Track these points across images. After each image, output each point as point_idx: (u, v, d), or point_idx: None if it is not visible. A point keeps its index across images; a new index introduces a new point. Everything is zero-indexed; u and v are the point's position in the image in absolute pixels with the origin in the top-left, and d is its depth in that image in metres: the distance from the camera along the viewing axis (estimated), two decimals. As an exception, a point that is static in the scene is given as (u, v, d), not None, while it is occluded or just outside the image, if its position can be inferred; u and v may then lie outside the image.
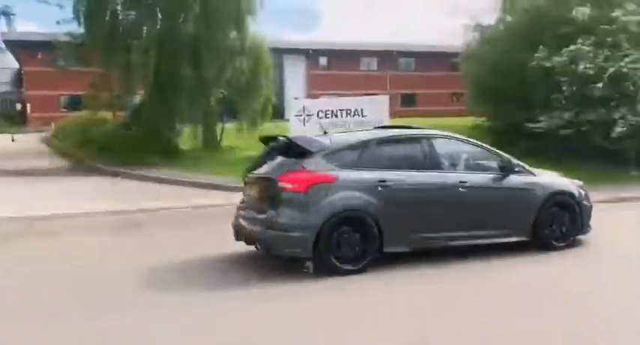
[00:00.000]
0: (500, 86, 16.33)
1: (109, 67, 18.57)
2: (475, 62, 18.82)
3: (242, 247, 6.29)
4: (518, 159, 6.92)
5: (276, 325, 4.33)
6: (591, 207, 6.98)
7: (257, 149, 16.71)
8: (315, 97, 24.44)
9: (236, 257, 6.45)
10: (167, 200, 11.37)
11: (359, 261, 5.61)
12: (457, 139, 6.69)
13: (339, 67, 38.21)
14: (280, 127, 18.43)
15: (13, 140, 24.97)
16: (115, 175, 15.25)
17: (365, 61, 40.03)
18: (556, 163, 9.87)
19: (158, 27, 17.99)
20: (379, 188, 5.72)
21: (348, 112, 13.92)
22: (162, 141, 17.39)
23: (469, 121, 19.53)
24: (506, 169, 6.50)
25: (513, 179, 6.48)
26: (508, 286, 5.26)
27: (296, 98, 19.75)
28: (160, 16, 18.05)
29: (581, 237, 6.84)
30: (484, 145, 6.83)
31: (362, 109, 13.85)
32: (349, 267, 5.55)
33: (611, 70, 13.48)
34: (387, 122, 13.77)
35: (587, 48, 14.15)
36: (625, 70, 13.41)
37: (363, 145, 6.01)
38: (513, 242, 6.40)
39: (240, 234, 6.16)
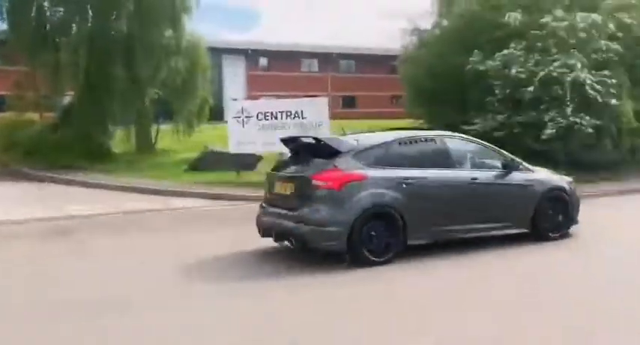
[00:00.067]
0: (437, 89, 16.59)
1: (35, 66, 17.62)
2: (412, 65, 19.06)
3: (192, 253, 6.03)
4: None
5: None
6: (579, 201, 7.63)
7: (193, 152, 16.75)
8: (255, 98, 24.16)
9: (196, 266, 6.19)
10: (97, 205, 10.87)
11: (386, 253, 6.06)
12: (464, 138, 7.33)
13: (279, 68, 37.96)
14: (218, 129, 18.15)
15: None
16: (42, 179, 14.51)
17: (305, 62, 39.98)
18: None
19: (89, 25, 17.24)
20: (403, 185, 6.19)
21: (288, 113, 13.80)
22: (93, 144, 16.73)
23: (407, 123, 19.77)
24: (509, 167, 7.09)
25: (515, 176, 7.08)
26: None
27: (234, 99, 19.42)
28: (90, 13, 17.33)
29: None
30: (488, 144, 7.46)
31: (302, 111, 13.75)
32: (378, 258, 5.99)
33: (542, 74, 13.97)
34: (327, 124, 13.74)
35: (518, 52, 14.63)
36: (554, 74, 13.90)
37: (386, 145, 6.47)
38: (513, 234, 7.05)
39: (266, 231, 6.49)
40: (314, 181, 5.98)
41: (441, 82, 16.35)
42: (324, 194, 5.93)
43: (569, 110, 13.70)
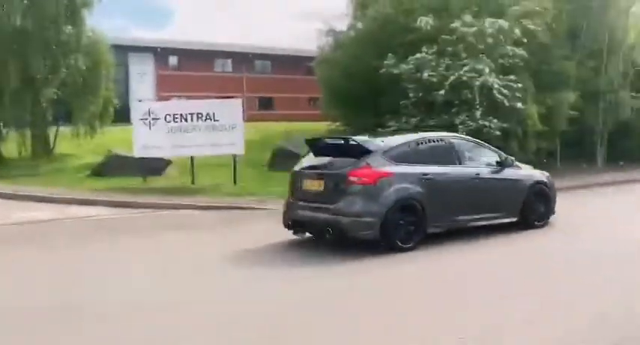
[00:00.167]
0: (353, 91, 16.54)
1: None
2: (328, 66, 18.90)
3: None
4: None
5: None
6: (556, 194, 8.67)
7: (96, 156, 15.66)
8: (165, 98, 23.15)
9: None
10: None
11: (411, 240, 6.83)
12: (466, 139, 8.33)
13: (191, 68, 36.48)
14: (125, 131, 17.07)
15: None
16: None
17: (219, 62, 38.74)
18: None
19: (-24, 19, 15.73)
20: (423, 180, 6.97)
21: (199, 115, 13.23)
22: (-19, 148, 15.23)
23: (324, 125, 19.64)
24: (503, 164, 8.04)
25: (508, 172, 8.07)
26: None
27: (140, 101, 18.31)
28: (-23, 6, 15.81)
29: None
30: (485, 143, 8.46)
31: (214, 113, 13.23)
32: (405, 245, 6.75)
33: (452, 78, 14.25)
34: (241, 126, 13.26)
35: (430, 57, 14.82)
36: (464, 78, 14.22)
37: (406, 145, 7.27)
38: (505, 223, 8.05)
39: (297, 224, 7.16)
40: (350, 177, 6.68)
41: (357, 84, 16.31)
42: (359, 189, 6.66)
43: (478, 113, 14.08)
